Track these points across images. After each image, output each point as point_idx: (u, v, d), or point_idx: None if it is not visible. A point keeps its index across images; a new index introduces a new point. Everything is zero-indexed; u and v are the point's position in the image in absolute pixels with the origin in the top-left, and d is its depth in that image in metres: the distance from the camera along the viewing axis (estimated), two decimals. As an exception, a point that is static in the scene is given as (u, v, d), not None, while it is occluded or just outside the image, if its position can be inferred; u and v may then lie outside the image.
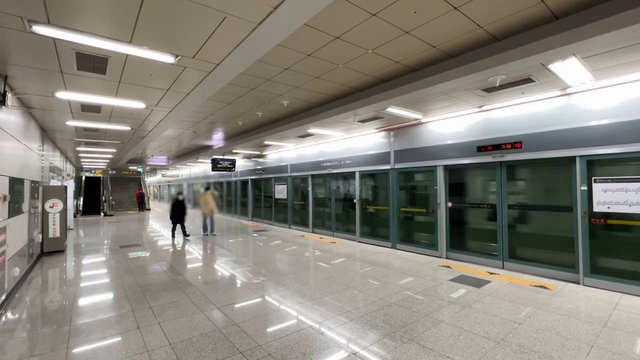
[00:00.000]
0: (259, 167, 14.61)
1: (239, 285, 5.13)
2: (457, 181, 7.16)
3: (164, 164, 20.21)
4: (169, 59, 3.90)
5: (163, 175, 29.81)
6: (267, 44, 3.59)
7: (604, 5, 3.08)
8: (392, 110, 6.26)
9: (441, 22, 3.50)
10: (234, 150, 12.36)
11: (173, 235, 9.87)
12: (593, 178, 4.88)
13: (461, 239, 7.04)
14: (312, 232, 11.04)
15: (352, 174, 9.42)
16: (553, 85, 4.99)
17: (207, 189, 11.03)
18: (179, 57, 3.90)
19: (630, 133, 4.54)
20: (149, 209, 22.47)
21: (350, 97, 6.05)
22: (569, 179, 5.21)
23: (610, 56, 3.92)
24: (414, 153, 7.57)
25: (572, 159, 5.11)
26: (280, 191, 12.92)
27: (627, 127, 4.57)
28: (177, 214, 9.82)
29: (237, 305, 4.22)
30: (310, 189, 11.30)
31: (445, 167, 6.96)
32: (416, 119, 7.30)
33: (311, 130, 8.34)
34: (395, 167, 8.00)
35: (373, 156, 8.67)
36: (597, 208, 4.82)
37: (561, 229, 5.37)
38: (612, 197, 4.68)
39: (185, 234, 9.93)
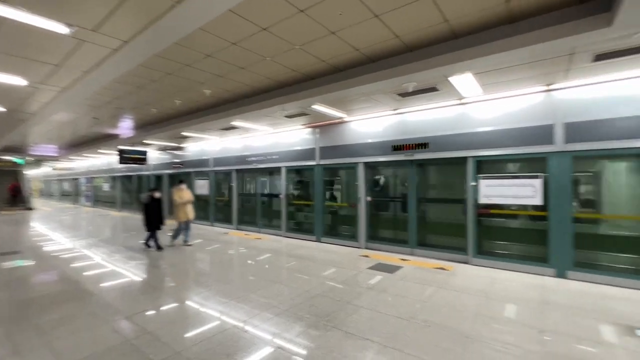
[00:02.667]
0: (176, 161, 13.42)
1: (152, 290, 4.66)
2: (375, 177, 7.78)
3: (53, 154, 16.97)
4: (61, 28, 3.28)
5: (54, 169, 25.01)
6: (186, 26, 3.32)
7: (497, 29, 3.69)
8: (318, 107, 6.43)
9: (364, 28, 3.72)
10: (145, 141, 11.07)
11: (148, 245, 7.45)
12: (479, 175, 5.84)
13: (378, 230, 7.68)
14: (237, 229, 10.67)
15: (279, 169, 9.39)
16: (452, 95, 5.78)
17: (182, 182, 8.07)
18: (74, 28, 3.31)
19: (508, 139, 5.57)
20: (32, 208, 18.63)
21: (277, 91, 6.00)
22: (463, 175, 6.13)
23: (496, 74, 4.73)
24: (338, 150, 7.93)
25: (465, 159, 6.03)
26: (202, 186, 12.11)
27: (506, 134, 5.59)
28: (154, 218, 7.26)
29: (150, 313, 3.83)
30: (234, 184, 10.87)
31: (366, 164, 7.48)
32: (340, 118, 7.65)
33: (236, 123, 8.02)
34: (321, 163, 8.26)
35: (299, 152, 8.78)
36: (482, 200, 5.80)
37: (457, 218, 6.30)
38: (493, 191, 5.68)
39: (158, 247, 7.29)
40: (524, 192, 5.35)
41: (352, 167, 7.71)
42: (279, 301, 4.14)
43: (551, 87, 5.17)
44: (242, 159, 10.44)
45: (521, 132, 5.43)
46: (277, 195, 9.57)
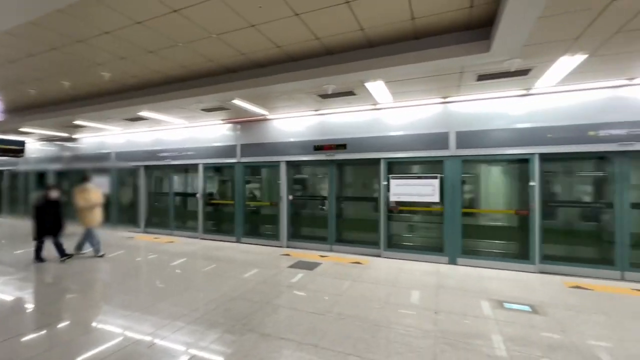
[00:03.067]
0: (67, 154, 11.34)
1: (29, 310, 3.82)
2: (297, 176, 7.87)
3: None
4: None
5: None
6: (74, -6, 2.80)
7: (406, 43, 4.05)
8: (239, 102, 6.17)
9: (284, 25, 3.70)
10: (23, 129, 9.06)
11: (38, 257, 5.92)
12: (390, 175, 6.41)
13: (300, 228, 7.78)
14: (145, 232, 9.55)
15: (195, 167, 8.72)
16: (368, 100, 6.20)
17: (86, 179, 6.46)
18: None
19: (415, 143, 6.22)
20: None
21: (194, 81, 5.55)
22: (377, 175, 6.64)
23: (403, 84, 5.22)
24: (260, 148, 7.75)
25: (379, 160, 6.53)
26: (101, 184, 10.47)
27: (414, 139, 6.23)
28: (47, 222, 5.85)
29: (25, 338, 3.13)
30: (142, 182, 9.71)
31: (288, 162, 7.49)
32: (263, 115, 7.50)
33: (145, 114, 7.16)
34: (242, 160, 7.97)
35: (219, 149, 8.31)
36: (392, 198, 6.37)
37: (371, 215, 6.79)
38: (401, 189, 6.29)
39: (63, 254, 5.96)
40: (425, 190, 6.06)
41: (275, 165, 7.63)
42: (192, 308, 3.83)
43: (447, 99, 5.97)
44: (152, 154, 9.38)
45: (425, 138, 6.14)
46: (193, 195, 8.89)
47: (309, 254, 6.67)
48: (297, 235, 7.68)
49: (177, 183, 9.65)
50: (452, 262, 5.88)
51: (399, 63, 4.05)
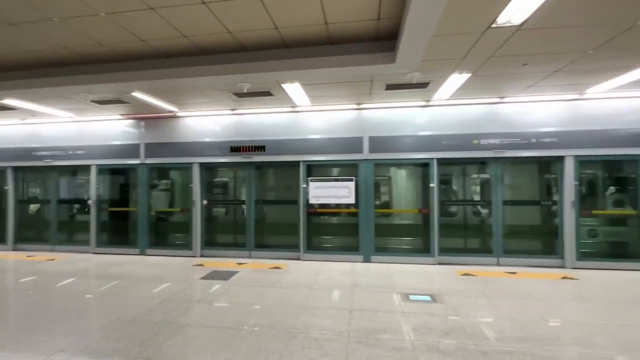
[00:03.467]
0: None
1: None
2: (213, 179, 7.35)
3: None
4: None
5: None
6: None
7: (321, 47, 4.07)
8: (141, 96, 5.45)
9: (190, 12, 3.34)
10: None
11: None
12: (309, 178, 6.46)
13: (216, 236, 7.27)
14: (15, 249, 7.70)
15: (87, 168, 7.40)
16: (287, 102, 6.14)
17: None
18: None
19: (332, 146, 6.39)
20: None
21: (80, 67, 4.67)
22: (297, 178, 6.62)
23: (320, 88, 5.30)
24: (169, 148, 6.99)
25: (298, 163, 6.53)
26: (-55, 191, 8.09)
27: (331, 142, 6.39)
28: None
29: None
30: (10, 187, 7.81)
31: (202, 164, 6.92)
32: (171, 111, 6.78)
33: (11, 103, 5.76)
34: (147, 162, 7.06)
35: (117, 148, 7.22)
36: (311, 200, 6.42)
37: (291, 219, 6.73)
38: (319, 192, 6.39)
39: None
40: (342, 192, 6.28)
41: (186, 167, 6.97)
42: (76, 338, 3.15)
43: (361, 105, 6.31)
44: (26, 153, 7.64)
45: (342, 141, 6.36)
46: (84, 202, 7.52)
47: (226, 263, 6.25)
48: (213, 243, 7.15)
49: (63, 188, 8.05)
50: (367, 260, 6.20)
51: (313, 66, 4.07)
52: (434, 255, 6.06)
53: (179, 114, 6.92)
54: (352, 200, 6.26)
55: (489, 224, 6.20)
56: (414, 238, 6.61)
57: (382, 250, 6.33)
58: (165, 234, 7.53)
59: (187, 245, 6.93)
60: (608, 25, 3.42)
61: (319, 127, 6.48)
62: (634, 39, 3.70)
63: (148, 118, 7.10)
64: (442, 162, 6.17)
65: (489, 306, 3.99)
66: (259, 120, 6.71)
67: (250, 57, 4.21)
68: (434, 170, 6.09)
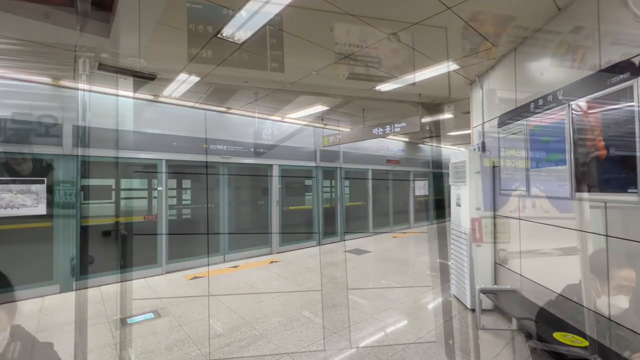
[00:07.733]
0: None
1: None
2: None
3: None
4: None
5: None
6: None
7: None
8: None
9: None
10: None
11: None
12: None
13: None
14: None
15: None
16: None
17: None
18: None
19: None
20: None
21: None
22: None
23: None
24: None
25: None
26: None
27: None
28: None
29: None
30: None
31: None
32: None
33: None
34: None
35: None
36: None
37: None
38: None
39: None
40: (22, 200, 4.36)
41: None
42: None
43: (62, 83, 4.70)
44: None
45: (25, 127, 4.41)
46: None
47: None
48: None
49: None
50: (67, 289, 4.66)
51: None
52: (161, 265, 5.57)
53: None
54: (41, 211, 4.48)
55: (218, 223, 6.55)
56: (140, 249, 5.76)
57: (92, 272, 5.00)
58: None
59: None
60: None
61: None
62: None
63: None
64: (171, 164, 5.82)
65: (213, 304, 4.13)
66: None
67: None
68: (163, 171, 5.63)
